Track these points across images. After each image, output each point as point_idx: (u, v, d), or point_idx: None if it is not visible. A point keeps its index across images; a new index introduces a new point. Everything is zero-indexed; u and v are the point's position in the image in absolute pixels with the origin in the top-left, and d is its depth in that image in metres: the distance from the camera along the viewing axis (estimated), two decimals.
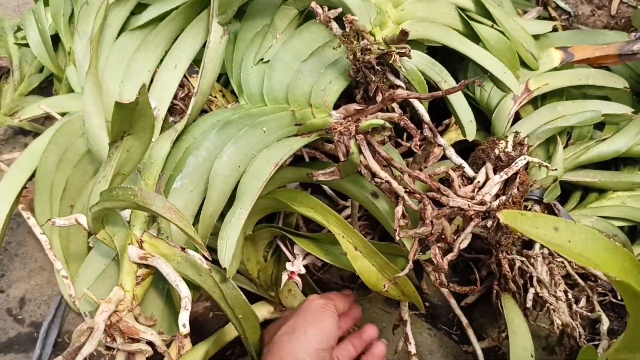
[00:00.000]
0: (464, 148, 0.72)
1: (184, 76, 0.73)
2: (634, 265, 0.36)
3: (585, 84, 0.74)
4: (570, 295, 0.63)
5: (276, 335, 0.49)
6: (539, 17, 1.01)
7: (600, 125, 0.76)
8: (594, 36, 0.81)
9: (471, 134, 0.61)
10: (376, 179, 0.48)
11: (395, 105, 0.56)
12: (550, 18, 1.04)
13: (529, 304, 0.62)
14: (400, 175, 0.49)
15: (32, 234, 0.83)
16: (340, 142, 0.46)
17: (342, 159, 0.47)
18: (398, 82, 0.57)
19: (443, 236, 0.49)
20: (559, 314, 0.61)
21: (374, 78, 0.54)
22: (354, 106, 0.52)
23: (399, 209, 0.47)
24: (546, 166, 0.60)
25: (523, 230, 0.33)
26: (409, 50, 0.53)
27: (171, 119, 0.71)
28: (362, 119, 0.48)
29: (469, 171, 0.56)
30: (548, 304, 0.61)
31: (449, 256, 0.49)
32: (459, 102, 0.62)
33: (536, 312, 0.65)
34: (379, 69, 0.54)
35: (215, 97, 0.74)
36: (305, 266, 0.62)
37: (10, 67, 0.91)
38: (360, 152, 0.47)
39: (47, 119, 0.87)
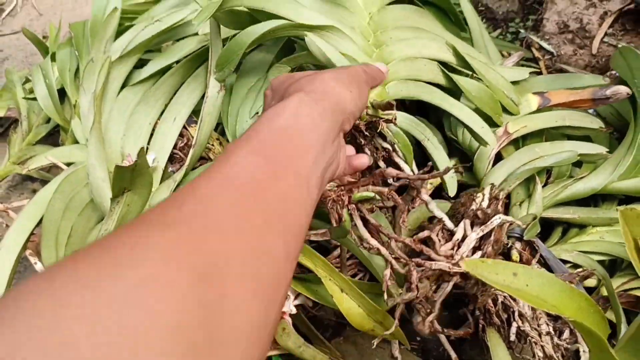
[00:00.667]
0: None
1: (184, 126, 0.78)
2: (590, 305, 0.39)
3: (562, 125, 0.78)
4: (551, 328, 0.66)
5: (325, 73, 0.44)
6: (523, 58, 1.06)
7: (580, 163, 0.79)
8: (571, 80, 0.85)
9: (452, 189, 0.65)
10: (365, 244, 0.52)
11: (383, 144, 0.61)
12: (534, 58, 1.09)
13: (513, 337, 0.65)
14: (388, 241, 0.53)
15: None
16: (334, 209, 0.51)
17: (334, 224, 0.52)
18: (385, 144, 0.61)
19: (426, 296, 0.53)
20: (541, 347, 0.64)
21: (363, 142, 0.57)
22: (347, 177, 0.56)
23: (387, 272, 0.51)
24: (518, 225, 0.64)
25: (483, 277, 0.37)
26: (395, 118, 0.57)
27: (171, 168, 0.75)
28: (354, 189, 0.52)
29: (449, 224, 0.60)
30: (530, 337, 0.64)
31: (431, 317, 0.53)
32: (441, 159, 0.66)
33: (521, 345, 0.67)
34: (367, 134, 0.57)
35: (213, 145, 0.79)
36: (299, 305, 0.65)
37: (19, 117, 0.96)
38: (352, 219, 0.52)
39: (53, 167, 0.92)
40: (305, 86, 0.41)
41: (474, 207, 0.62)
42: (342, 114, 0.41)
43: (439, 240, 0.55)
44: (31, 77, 0.94)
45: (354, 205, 0.52)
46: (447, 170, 0.54)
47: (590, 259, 0.71)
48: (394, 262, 0.51)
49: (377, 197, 0.53)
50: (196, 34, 0.85)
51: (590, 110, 0.91)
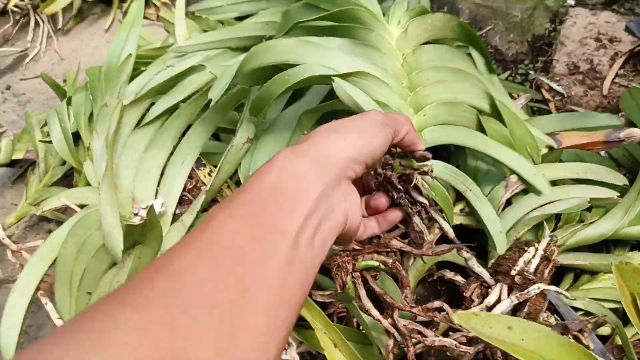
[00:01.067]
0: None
1: (192, 169, 0.79)
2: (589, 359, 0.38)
3: (584, 177, 0.76)
4: None
5: (321, 127, 0.43)
6: (532, 100, 1.06)
7: (590, 206, 0.78)
8: (584, 119, 0.84)
9: (502, 247, 0.62)
10: (367, 314, 0.51)
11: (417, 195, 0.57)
12: (544, 100, 1.09)
13: None
14: (390, 311, 0.51)
15: (51, 318, 0.87)
16: (338, 275, 0.50)
17: (338, 290, 0.51)
18: (421, 199, 0.56)
19: None
20: None
21: (396, 195, 0.53)
22: (352, 245, 0.54)
23: (390, 343, 0.51)
24: (557, 291, 0.61)
25: (476, 331, 0.36)
26: (431, 170, 0.53)
27: (179, 210, 0.76)
28: (359, 257, 0.51)
29: (489, 280, 0.58)
30: None
31: None
32: (486, 212, 0.64)
33: None
34: (400, 187, 0.53)
35: (222, 189, 0.80)
36: (303, 353, 0.65)
37: (36, 159, 0.98)
38: (356, 288, 0.51)
39: (68, 208, 0.94)
40: (299, 142, 0.40)
41: (520, 265, 0.59)
42: (335, 163, 0.39)
43: (473, 300, 0.54)
44: (48, 122, 0.97)
45: (358, 274, 0.51)
46: (458, 247, 0.53)
47: (602, 306, 0.69)
48: (396, 334, 0.50)
49: (382, 266, 0.52)
50: (204, 66, 0.86)
51: (603, 153, 0.90)
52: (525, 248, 0.64)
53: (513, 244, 0.66)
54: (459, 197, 0.80)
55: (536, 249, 0.63)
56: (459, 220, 0.76)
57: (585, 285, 0.73)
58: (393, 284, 0.61)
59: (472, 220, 0.77)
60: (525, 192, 0.79)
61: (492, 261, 0.68)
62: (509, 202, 0.77)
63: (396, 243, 0.52)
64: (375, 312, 0.50)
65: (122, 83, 0.81)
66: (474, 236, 0.71)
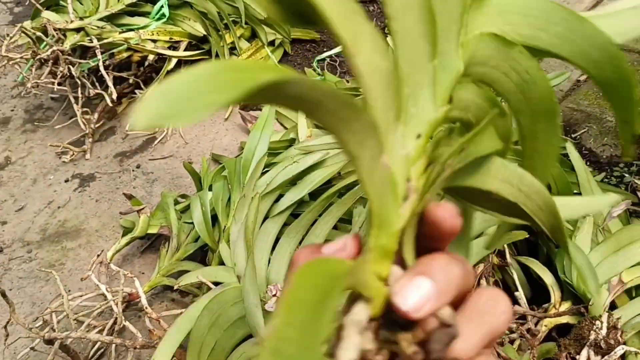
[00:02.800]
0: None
1: None
2: None
3: None
4: None
5: None
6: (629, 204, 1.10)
7: None
8: None
9: None
10: None
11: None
12: None
13: None
14: None
15: None
16: None
17: None
18: None
19: None
20: None
21: None
22: None
23: None
24: None
25: None
26: None
27: None
28: None
29: None
30: None
31: None
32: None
33: None
34: None
35: None
36: None
37: (170, 235, 1.12)
38: None
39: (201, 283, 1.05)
40: None
41: (593, 335, 0.65)
42: None
43: None
44: (183, 200, 1.11)
45: None
46: None
47: None
48: None
49: None
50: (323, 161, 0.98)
51: None
52: (593, 322, 0.69)
53: (582, 319, 0.72)
54: (565, 297, 0.86)
55: (601, 322, 0.69)
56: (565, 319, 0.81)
57: None
58: None
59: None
60: (630, 296, 0.83)
61: None
62: (612, 306, 0.81)
63: None
64: None
65: (257, 177, 0.94)
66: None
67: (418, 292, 0.22)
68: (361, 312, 0.22)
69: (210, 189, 1.04)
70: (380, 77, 0.23)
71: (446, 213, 0.24)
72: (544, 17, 0.25)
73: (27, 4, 2.19)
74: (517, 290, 0.87)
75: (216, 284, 0.92)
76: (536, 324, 0.80)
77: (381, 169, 0.23)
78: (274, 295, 0.77)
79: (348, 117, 0.20)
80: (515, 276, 0.89)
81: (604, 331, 0.69)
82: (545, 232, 0.27)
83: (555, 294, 0.87)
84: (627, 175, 1.17)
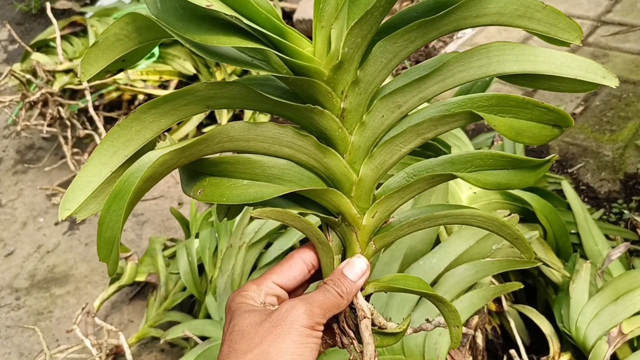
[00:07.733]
0: None
1: None
2: None
3: None
4: None
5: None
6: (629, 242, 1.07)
7: None
8: None
9: None
10: None
11: None
12: None
13: None
14: None
15: None
16: None
17: None
18: None
19: None
20: None
21: None
22: None
23: None
24: None
25: None
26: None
27: None
28: None
29: None
30: None
31: None
32: None
33: None
34: None
35: None
36: None
37: (157, 283, 1.09)
38: None
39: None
40: None
41: None
42: None
43: None
44: (173, 243, 1.09)
45: None
46: None
47: None
48: None
49: None
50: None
51: None
52: None
53: None
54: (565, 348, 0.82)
55: None
56: None
57: None
58: None
59: None
60: (632, 347, 0.80)
61: None
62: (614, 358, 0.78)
63: None
64: None
65: (245, 225, 0.91)
66: None
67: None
68: None
69: (197, 236, 1.01)
70: None
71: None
72: None
73: (18, 46, 2.19)
74: (515, 338, 0.83)
75: (203, 338, 0.89)
76: None
77: None
78: None
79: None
80: (512, 325, 0.86)
81: None
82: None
83: (554, 345, 0.83)
84: (626, 212, 1.14)
